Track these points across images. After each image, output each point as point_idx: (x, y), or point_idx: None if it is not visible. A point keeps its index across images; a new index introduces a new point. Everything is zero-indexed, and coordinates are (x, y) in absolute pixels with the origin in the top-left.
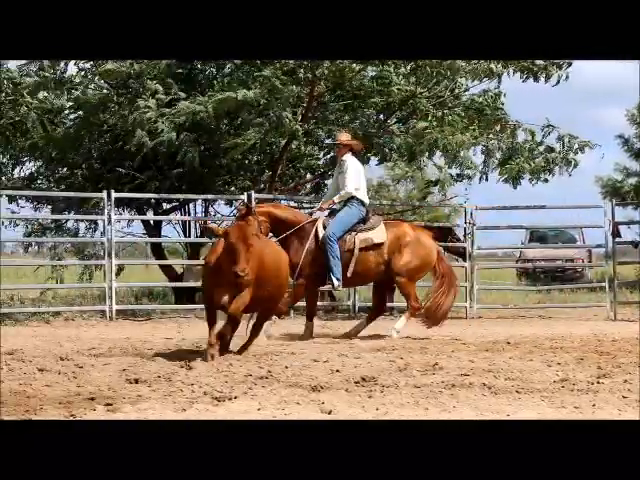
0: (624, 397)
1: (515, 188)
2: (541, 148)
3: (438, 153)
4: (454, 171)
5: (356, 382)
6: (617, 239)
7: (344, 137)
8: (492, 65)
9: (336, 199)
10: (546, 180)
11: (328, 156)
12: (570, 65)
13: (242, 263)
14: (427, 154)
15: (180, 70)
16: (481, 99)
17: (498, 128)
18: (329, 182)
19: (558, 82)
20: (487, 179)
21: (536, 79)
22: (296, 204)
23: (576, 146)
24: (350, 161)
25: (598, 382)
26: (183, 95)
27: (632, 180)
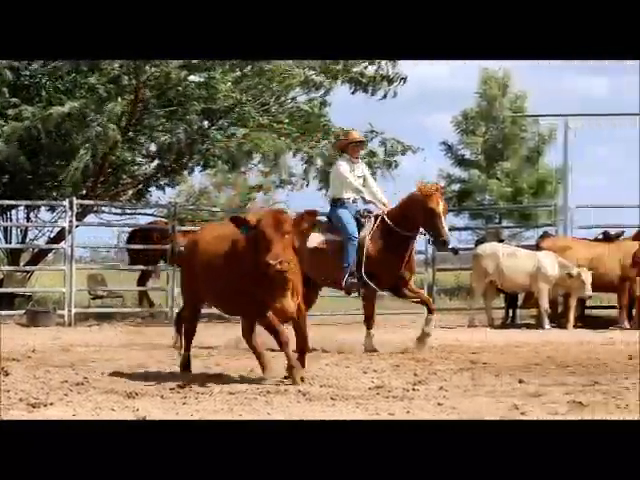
0: (439, 404)
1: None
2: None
3: (261, 160)
4: (276, 177)
5: (171, 389)
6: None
7: (357, 134)
8: (319, 78)
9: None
10: None
11: (152, 164)
12: (403, 81)
13: (276, 250)
14: (248, 160)
15: (11, 77)
16: (306, 107)
17: (320, 135)
18: (152, 189)
19: (385, 96)
20: (308, 185)
21: (365, 91)
22: (120, 210)
23: (399, 150)
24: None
25: (413, 389)
26: (14, 101)
27: (455, 187)
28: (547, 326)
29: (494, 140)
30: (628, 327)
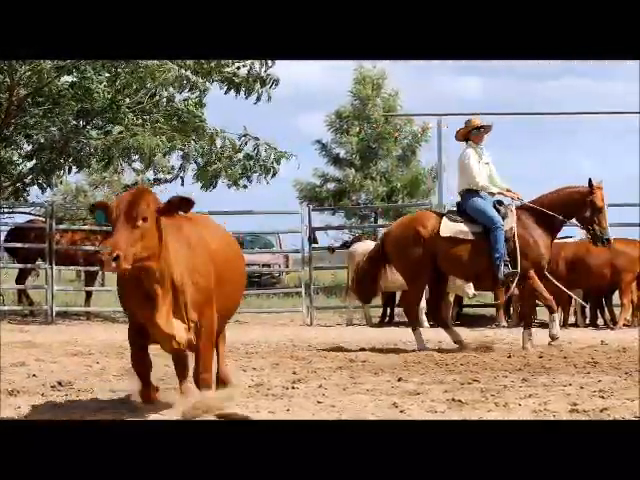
0: (319, 402)
1: (207, 190)
2: (240, 155)
3: (136, 158)
4: (151, 175)
5: (52, 386)
6: (314, 244)
7: (479, 120)
8: (193, 77)
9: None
10: (245, 187)
11: (30, 163)
12: (276, 83)
13: (116, 237)
14: (123, 158)
15: None
16: (182, 106)
17: (194, 135)
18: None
19: (259, 99)
20: (183, 184)
21: (238, 92)
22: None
23: (272, 157)
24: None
25: (293, 387)
26: None
27: (330, 185)
28: (425, 324)
29: (368, 139)
30: (506, 325)
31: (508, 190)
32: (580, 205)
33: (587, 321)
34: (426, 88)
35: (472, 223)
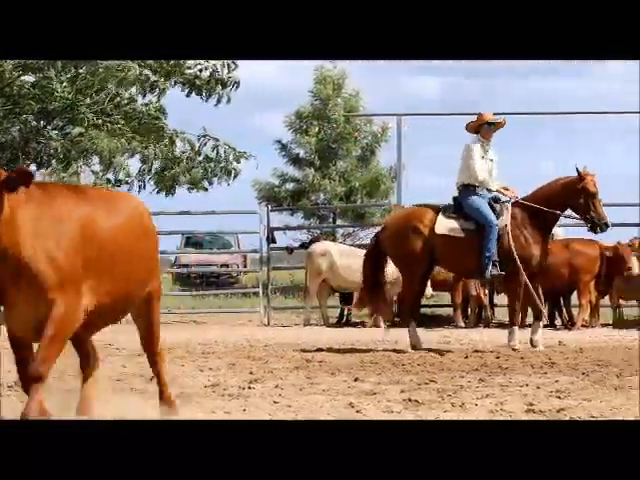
0: (275, 402)
1: (168, 196)
2: (200, 158)
3: (96, 160)
4: (111, 177)
5: (9, 386)
6: (272, 245)
7: (490, 116)
8: (154, 76)
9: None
10: (205, 189)
11: None
12: (237, 85)
13: None
14: (83, 160)
15: None
16: (142, 108)
17: (153, 137)
18: None
19: (219, 101)
20: (145, 187)
21: (199, 94)
22: None
23: (231, 157)
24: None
25: (249, 387)
26: None
27: (289, 186)
28: (382, 325)
29: (328, 139)
30: (463, 326)
31: (505, 188)
32: (573, 193)
33: (545, 321)
34: (386, 88)
35: (466, 220)
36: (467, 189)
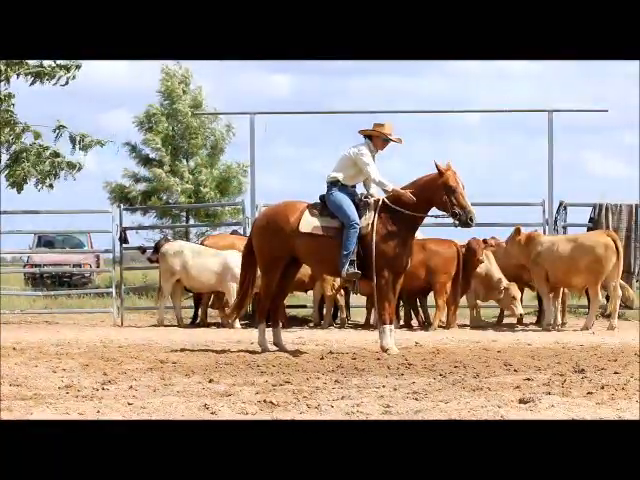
0: (129, 403)
1: (19, 193)
2: (48, 152)
3: None
4: None
5: None
6: (124, 244)
7: (392, 133)
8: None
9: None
10: (51, 186)
11: None
12: (78, 68)
13: None
14: None
15: None
16: None
17: (7, 130)
18: None
19: (67, 83)
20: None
21: (42, 82)
22: None
23: (85, 142)
24: None
25: (103, 388)
26: None
27: (141, 186)
28: (237, 325)
29: (175, 136)
30: (318, 326)
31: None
32: (434, 190)
33: (401, 322)
34: (235, 86)
35: (333, 217)
36: (332, 186)
